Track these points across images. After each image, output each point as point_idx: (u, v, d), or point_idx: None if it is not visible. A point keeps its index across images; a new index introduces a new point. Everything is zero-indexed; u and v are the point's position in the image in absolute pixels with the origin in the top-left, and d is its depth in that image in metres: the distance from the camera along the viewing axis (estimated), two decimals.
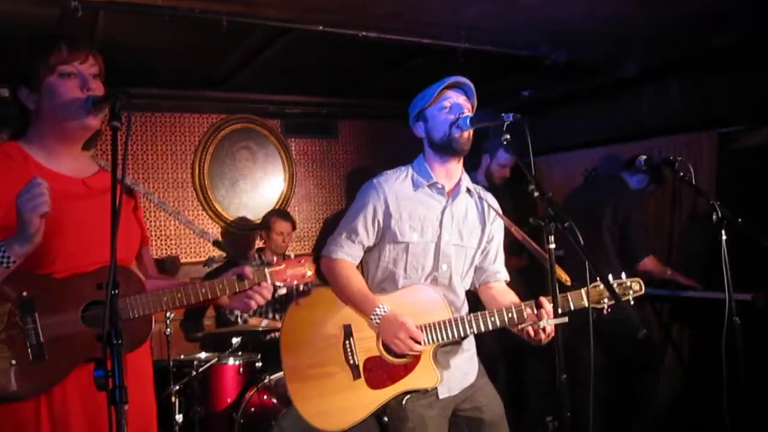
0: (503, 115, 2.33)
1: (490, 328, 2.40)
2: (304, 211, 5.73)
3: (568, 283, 2.44)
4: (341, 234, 2.57)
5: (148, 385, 2.07)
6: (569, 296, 2.40)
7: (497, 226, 2.70)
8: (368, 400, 2.40)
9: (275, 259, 4.85)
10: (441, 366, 2.43)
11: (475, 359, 2.65)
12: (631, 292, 2.46)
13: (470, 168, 3.03)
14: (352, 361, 2.43)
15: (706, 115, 4.49)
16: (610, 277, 2.33)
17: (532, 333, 2.37)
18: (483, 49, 3.80)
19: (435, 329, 2.40)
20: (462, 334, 2.41)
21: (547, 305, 2.29)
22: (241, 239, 5.23)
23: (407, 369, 2.41)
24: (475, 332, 2.42)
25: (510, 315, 2.38)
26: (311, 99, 5.41)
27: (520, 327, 2.40)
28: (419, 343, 2.35)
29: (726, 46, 3.95)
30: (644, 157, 3.71)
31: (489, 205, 2.67)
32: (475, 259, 2.65)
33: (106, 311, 1.45)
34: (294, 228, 4.96)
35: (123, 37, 3.54)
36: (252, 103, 5.28)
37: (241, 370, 3.91)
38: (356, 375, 2.42)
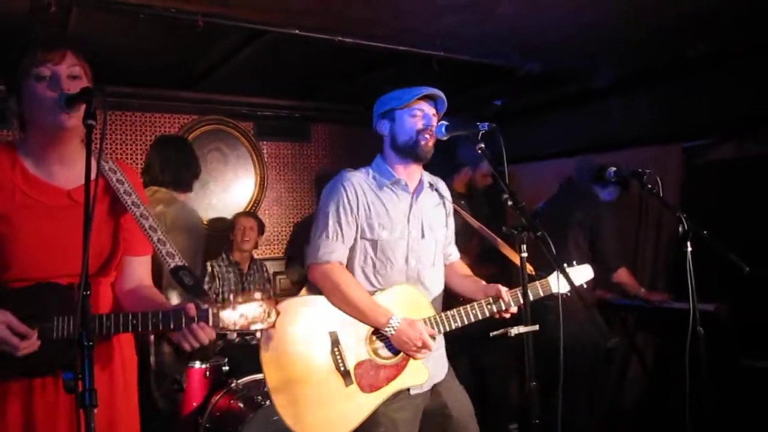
0: (478, 124, 2.37)
1: (473, 320, 2.51)
2: (275, 214, 5.71)
3: (533, 273, 2.55)
4: (326, 237, 2.49)
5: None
6: (538, 285, 2.61)
7: (451, 211, 2.81)
8: (362, 404, 2.39)
9: (241, 257, 4.81)
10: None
11: (445, 358, 2.70)
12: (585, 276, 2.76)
13: (445, 174, 3.07)
14: (342, 368, 2.40)
15: (673, 129, 4.58)
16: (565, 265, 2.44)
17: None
18: (458, 57, 3.84)
19: (429, 325, 2.48)
20: (449, 328, 2.50)
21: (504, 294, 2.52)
22: (210, 242, 5.18)
23: (399, 368, 2.45)
24: (459, 325, 2.50)
25: (489, 307, 2.52)
26: (284, 102, 5.40)
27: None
28: (429, 348, 2.43)
29: (695, 59, 4.04)
30: (614, 168, 3.76)
31: (443, 195, 2.75)
32: (443, 248, 2.75)
33: (78, 313, 1.43)
34: (261, 227, 4.93)
35: (96, 34, 3.50)
36: (225, 104, 5.25)
37: (208, 373, 3.86)
38: (348, 381, 2.40)
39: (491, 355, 4.40)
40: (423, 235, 2.58)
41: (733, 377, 3.70)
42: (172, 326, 1.81)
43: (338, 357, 2.41)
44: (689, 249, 2.91)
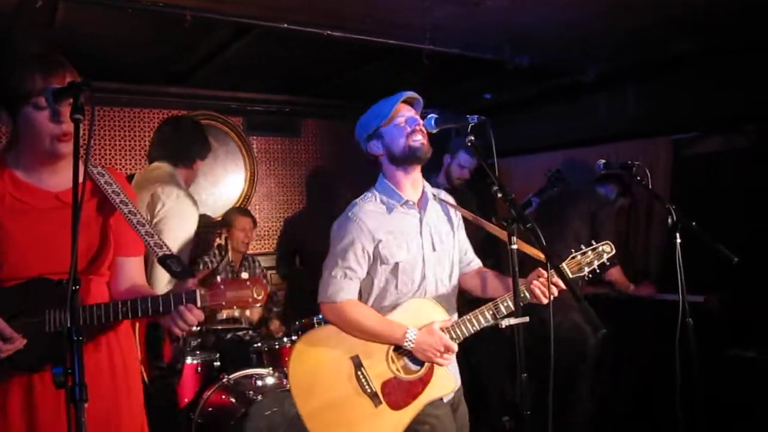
0: (467, 116, 2.37)
1: (490, 323, 2.48)
2: (265, 209, 5.69)
3: (542, 258, 2.45)
4: (336, 275, 2.51)
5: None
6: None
7: (460, 220, 2.79)
8: (394, 422, 2.44)
9: (231, 257, 4.81)
10: None
11: (458, 377, 2.68)
12: (605, 254, 2.56)
13: (430, 170, 3.07)
14: (369, 390, 2.44)
15: (661, 122, 4.61)
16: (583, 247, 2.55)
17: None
18: (447, 51, 3.84)
19: (449, 332, 2.47)
20: (469, 332, 2.49)
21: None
22: (200, 238, 5.17)
23: (424, 382, 2.48)
24: (478, 328, 2.49)
25: (496, 308, 2.47)
26: (274, 97, 5.38)
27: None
28: (453, 350, 2.45)
29: (682, 54, 4.06)
30: (602, 161, 3.78)
31: (448, 203, 2.75)
32: (455, 257, 2.71)
33: (67, 308, 1.43)
34: (255, 225, 4.94)
35: (83, 29, 3.47)
36: (214, 99, 5.22)
37: (200, 369, 3.87)
38: (377, 402, 2.44)
39: (484, 347, 4.41)
40: (434, 248, 2.59)
41: (721, 367, 3.73)
42: (161, 309, 1.83)
43: (363, 379, 2.45)
44: (678, 240, 2.93)
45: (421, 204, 2.60)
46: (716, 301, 3.86)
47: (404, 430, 2.45)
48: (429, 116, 2.52)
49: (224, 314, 1.93)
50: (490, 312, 2.47)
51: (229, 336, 4.20)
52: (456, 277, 2.72)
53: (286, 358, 3.75)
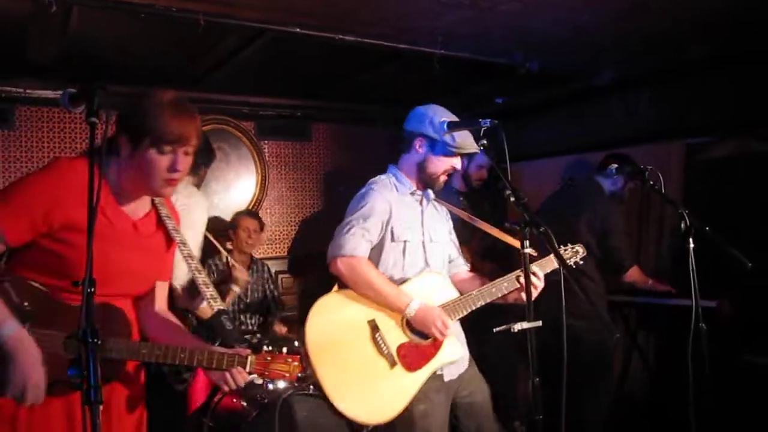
0: (480, 120, 2.37)
1: (494, 297, 2.70)
2: (276, 213, 5.71)
3: (535, 254, 2.59)
4: (355, 233, 2.67)
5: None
6: (542, 262, 2.74)
7: (451, 224, 3.05)
8: (408, 383, 2.60)
9: (234, 261, 4.81)
10: None
11: (466, 348, 2.89)
12: (578, 255, 2.91)
13: None
14: (386, 351, 2.60)
15: (675, 126, 4.58)
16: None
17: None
18: (458, 55, 3.84)
19: (451, 307, 2.68)
20: (474, 307, 2.69)
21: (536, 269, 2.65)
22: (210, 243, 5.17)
23: (436, 347, 2.66)
24: (483, 304, 2.70)
25: (505, 284, 2.69)
26: (285, 101, 5.39)
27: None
28: (449, 327, 2.61)
29: (696, 58, 4.04)
30: (615, 165, 3.76)
31: (443, 204, 3.00)
32: (445, 255, 2.94)
33: (82, 310, 1.45)
34: (261, 227, 4.92)
35: (96, 34, 3.50)
36: (226, 104, 5.24)
37: None
38: (392, 363, 2.59)
39: (496, 351, 4.39)
40: (431, 239, 2.82)
41: (734, 373, 3.70)
42: (214, 365, 1.98)
43: (380, 342, 2.61)
44: (691, 245, 2.92)
45: (422, 200, 2.85)
46: (729, 307, 3.83)
47: (416, 393, 2.59)
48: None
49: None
50: (488, 292, 2.70)
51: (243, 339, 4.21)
52: (446, 271, 2.93)
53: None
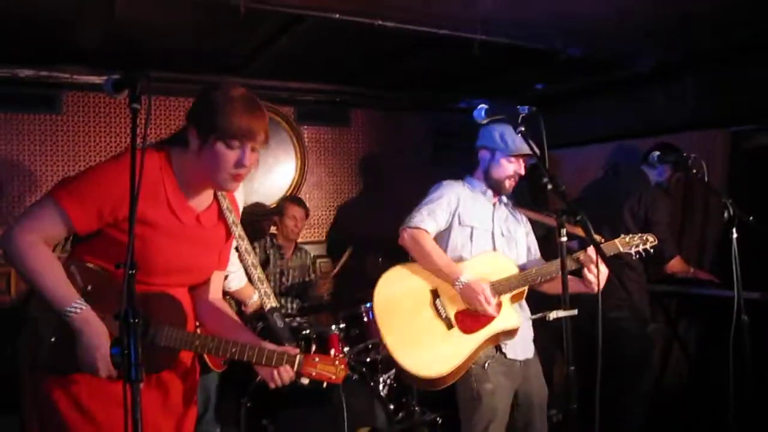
0: (518, 107, 2.35)
1: (548, 277, 2.85)
2: (315, 198, 5.75)
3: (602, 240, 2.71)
4: (423, 212, 2.96)
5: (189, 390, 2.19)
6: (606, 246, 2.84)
7: (529, 226, 3.25)
8: (464, 343, 2.78)
9: (284, 245, 4.88)
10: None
11: (532, 343, 3.10)
12: (648, 243, 2.89)
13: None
14: (444, 315, 2.83)
15: (720, 113, 4.47)
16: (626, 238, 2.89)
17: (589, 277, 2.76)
18: (498, 41, 3.80)
19: (505, 282, 2.85)
20: (527, 283, 2.86)
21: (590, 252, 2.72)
22: (254, 226, 5.26)
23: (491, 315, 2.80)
24: (538, 281, 2.86)
25: (555, 266, 2.77)
26: (325, 87, 5.40)
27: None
28: (490, 303, 2.76)
29: (742, 43, 3.93)
30: (657, 153, 3.69)
31: (520, 219, 3.22)
32: (523, 250, 3.15)
33: (125, 291, 1.49)
34: (307, 215, 5.00)
35: (140, 20, 3.56)
36: (266, 89, 5.27)
37: None
38: (450, 325, 2.82)
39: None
40: (503, 234, 3.07)
41: None
42: (264, 362, 2.04)
43: (440, 307, 2.85)
44: (735, 235, 2.86)
45: (495, 203, 3.12)
46: None
47: (470, 353, 2.76)
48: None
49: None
50: (546, 270, 2.84)
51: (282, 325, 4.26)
52: (522, 264, 3.07)
53: (334, 347, 3.81)
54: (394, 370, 4.27)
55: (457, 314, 2.83)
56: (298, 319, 4.39)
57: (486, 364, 2.88)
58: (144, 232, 1.91)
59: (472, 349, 2.77)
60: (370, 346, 4.16)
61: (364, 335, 4.18)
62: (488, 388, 2.86)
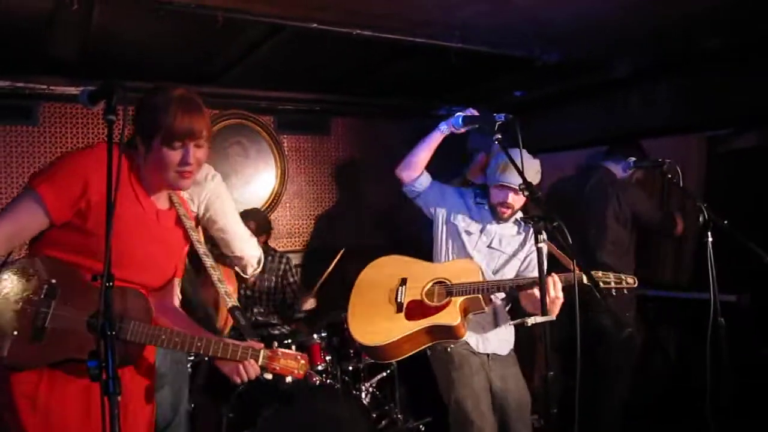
0: (495, 115, 2.38)
1: (507, 291, 2.98)
2: (296, 207, 5.74)
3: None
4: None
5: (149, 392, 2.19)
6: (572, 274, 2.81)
7: (532, 247, 3.21)
8: (402, 326, 3.00)
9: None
10: (470, 324, 3.07)
11: (511, 346, 3.30)
12: (624, 282, 2.82)
13: (459, 167, 3.13)
14: (399, 300, 3.08)
15: (696, 118, 4.53)
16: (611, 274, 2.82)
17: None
18: (476, 49, 3.83)
19: (460, 286, 2.96)
20: (481, 293, 2.92)
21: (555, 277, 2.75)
22: None
23: (437, 310, 2.99)
24: (494, 292, 2.99)
25: (522, 283, 2.90)
26: (304, 96, 5.40)
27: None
28: None
29: (716, 49, 3.99)
30: (633, 158, 3.73)
31: (527, 236, 3.27)
32: (511, 264, 3.23)
33: (101, 303, 1.47)
34: (260, 227, 4.81)
35: (117, 30, 3.54)
36: (245, 99, 5.27)
37: None
38: (399, 310, 3.06)
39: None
40: (489, 245, 3.21)
41: (754, 367, 3.66)
42: (229, 356, 2.08)
43: (399, 293, 3.11)
44: (710, 239, 2.89)
45: (491, 216, 3.25)
46: (748, 301, 3.79)
47: (404, 335, 2.96)
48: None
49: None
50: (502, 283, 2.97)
51: (266, 334, 4.25)
52: (501, 276, 3.20)
53: (316, 357, 3.82)
54: (376, 378, 4.28)
55: (410, 302, 3.06)
56: (280, 328, 4.38)
57: (448, 348, 3.15)
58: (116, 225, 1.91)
59: (407, 332, 2.97)
60: (352, 353, 4.17)
61: (346, 343, 4.19)
62: (456, 363, 3.12)
